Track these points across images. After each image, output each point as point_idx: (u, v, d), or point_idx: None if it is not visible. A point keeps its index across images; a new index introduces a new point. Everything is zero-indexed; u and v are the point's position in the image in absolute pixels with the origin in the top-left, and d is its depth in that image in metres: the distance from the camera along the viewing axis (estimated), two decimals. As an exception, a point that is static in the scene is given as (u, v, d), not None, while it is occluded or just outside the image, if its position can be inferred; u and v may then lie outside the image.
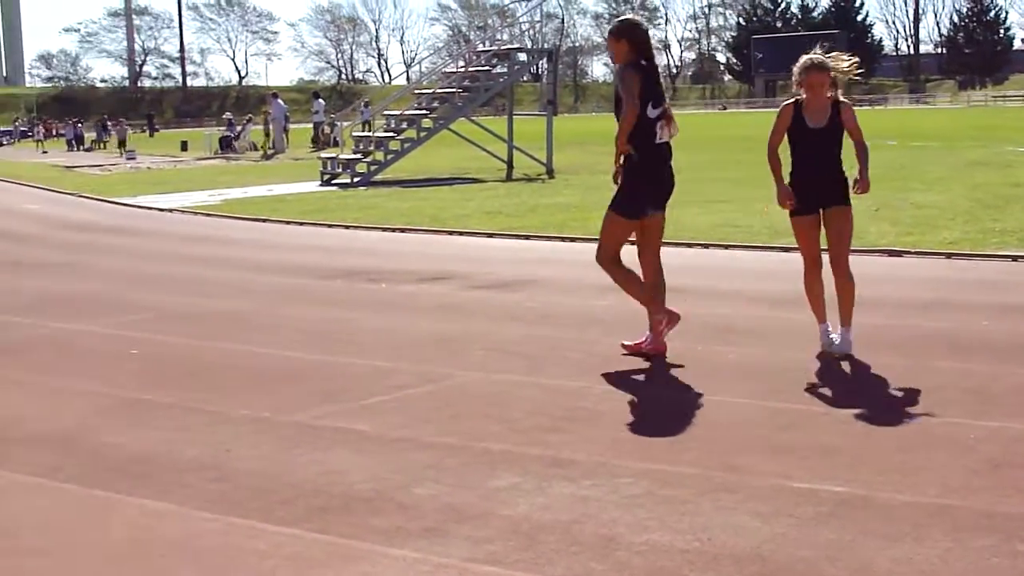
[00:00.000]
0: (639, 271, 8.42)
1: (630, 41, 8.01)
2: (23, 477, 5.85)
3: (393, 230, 16.96)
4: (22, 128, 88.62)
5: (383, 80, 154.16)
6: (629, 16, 8.62)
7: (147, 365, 8.43)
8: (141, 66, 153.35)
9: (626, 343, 8.34)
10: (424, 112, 29.30)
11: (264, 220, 19.25)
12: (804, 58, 7.92)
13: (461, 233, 16.16)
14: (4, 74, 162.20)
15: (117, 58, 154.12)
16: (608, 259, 8.26)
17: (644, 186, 8.11)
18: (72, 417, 7.00)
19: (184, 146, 53.82)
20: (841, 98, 7.90)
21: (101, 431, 6.67)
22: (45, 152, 59.30)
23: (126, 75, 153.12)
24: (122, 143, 54.93)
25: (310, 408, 7.00)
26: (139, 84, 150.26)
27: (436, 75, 34.82)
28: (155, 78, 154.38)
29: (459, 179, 27.01)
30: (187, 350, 8.95)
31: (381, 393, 7.33)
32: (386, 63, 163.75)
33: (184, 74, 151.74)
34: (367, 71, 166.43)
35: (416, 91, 32.84)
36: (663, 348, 8.19)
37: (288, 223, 18.62)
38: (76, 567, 4.69)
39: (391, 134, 29.18)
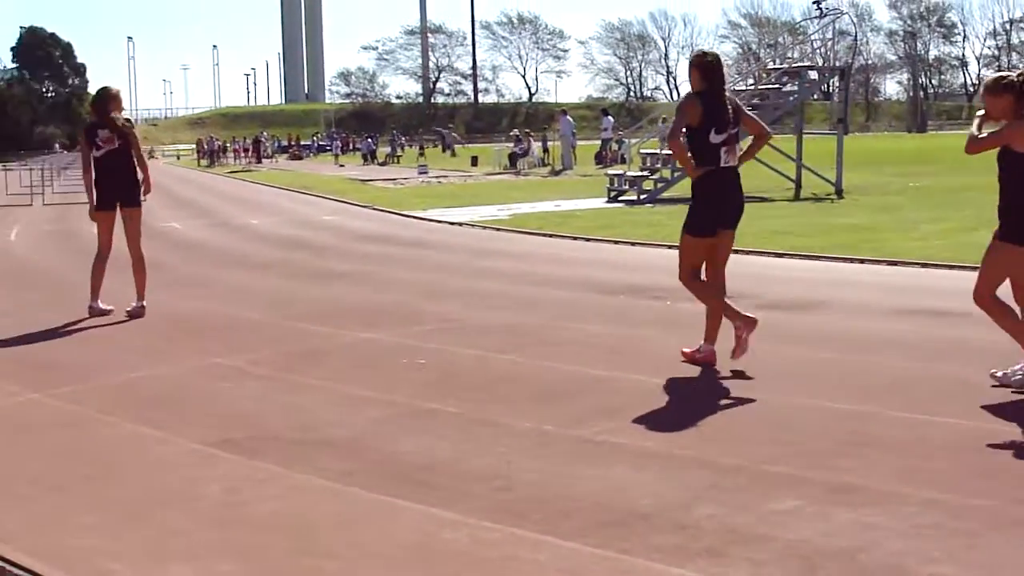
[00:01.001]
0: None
1: (698, 70, 8.58)
2: (317, 479, 6.10)
3: (678, 247, 16.88)
4: (320, 142, 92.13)
5: (671, 97, 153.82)
6: (703, 48, 9.14)
7: (435, 375, 8.66)
8: (435, 83, 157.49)
9: (685, 350, 8.97)
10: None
11: (551, 235, 19.48)
12: None
13: (747, 252, 15.97)
14: (306, 90, 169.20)
15: (412, 75, 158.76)
16: (688, 277, 9.05)
17: (709, 207, 8.82)
18: (363, 423, 7.25)
19: (474, 161, 54.90)
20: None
21: (390, 438, 6.89)
22: (341, 166, 61.47)
23: (420, 91, 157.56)
24: (449, 148, 54.52)
25: (592, 423, 7.06)
26: (432, 100, 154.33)
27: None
28: (447, 94, 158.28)
29: (746, 198, 26.68)
30: (474, 361, 9.15)
31: (666, 409, 7.34)
32: (675, 80, 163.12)
33: (476, 91, 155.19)
34: (655, 88, 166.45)
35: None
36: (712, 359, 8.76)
37: (575, 238, 18.79)
38: (364, 570, 4.86)
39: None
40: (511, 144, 55.78)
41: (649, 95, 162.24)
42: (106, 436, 7.17)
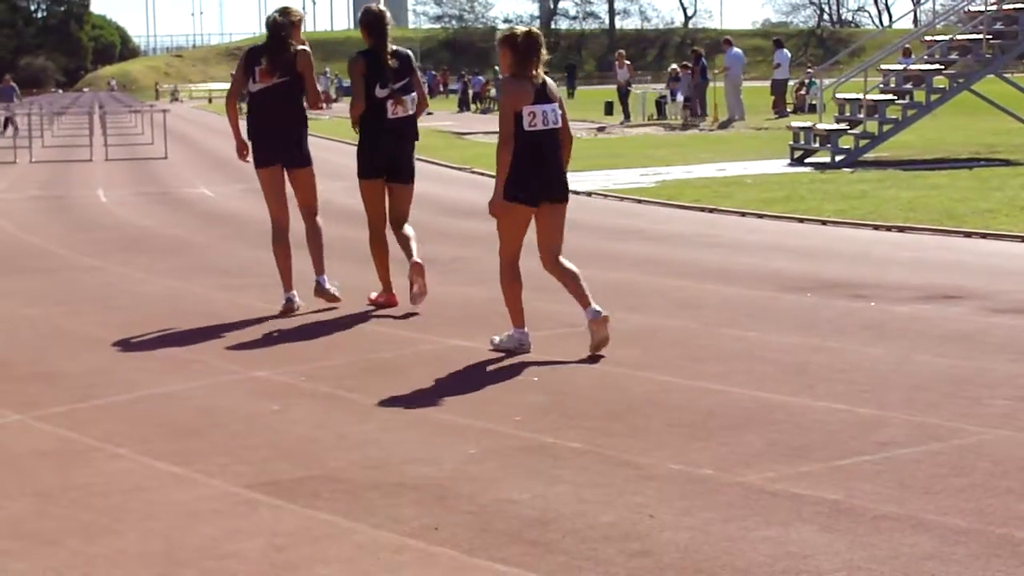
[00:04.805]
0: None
1: (363, 28, 11.95)
2: (392, 536, 6.14)
3: (888, 228, 16.76)
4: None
5: (880, 22, 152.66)
6: (369, 4, 12.44)
7: (553, 398, 8.69)
8: (556, 2, 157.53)
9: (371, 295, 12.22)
10: (937, 67, 28.76)
11: (712, 210, 19.41)
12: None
13: (983, 235, 15.82)
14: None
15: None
16: (374, 226, 12.14)
17: (370, 153, 12.00)
18: (454, 461, 7.30)
19: (609, 108, 54.71)
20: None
21: (491, 482, 6.92)
22: (430, 113, 61.67)
23: (536, 14, 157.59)
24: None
25: (767, 466, 7.04)
26: (553, 26, 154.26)
27: (956, 15, 34.19)
28: (574, 18, 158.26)
29: (983, 160, 26.39)
30: (607, 379, 9.16)
31: (864, 451, 7.29)
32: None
33: (612, 12, 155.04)
34: (859, 9, 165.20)
35: (927, 38, 32.33)
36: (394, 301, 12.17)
37: (744, 214, 18.71)
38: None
39: (890, 97, 28.79)
40: (663, 84, 55.42)
41: (850, 18, 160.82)
42: (112, 473, 7.29)
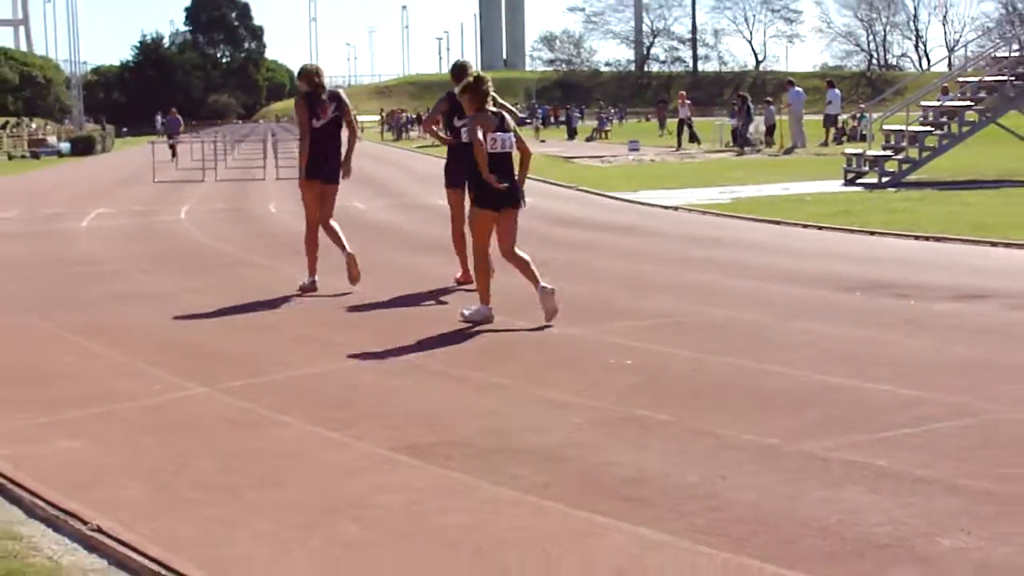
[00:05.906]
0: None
1: (452, 76, 13.26)
2: (510, 492, 6.16)
3: (926, 238, 16.57)
4: (520, 114, 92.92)
5: (920, 66, 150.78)
6: (458, 59, 14.31)
7: (644, 378, 8.66)
8: (649, 48, 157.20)
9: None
10: (968, 104, 28.44)
11: (778, 222, 19.28)
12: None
13: (1007, 245, 15.61)
14: (504, 57, 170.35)
15: (623, 40, 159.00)
16: (457, 229, 13.33)
17: (451, 166, 13.41)
18: (561, 430, 7.29)
19: (693, 137, 54.61)
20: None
21: (592, 448, 6.91)
22: (542, 141, 61.80)
23: (632, 58, 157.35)
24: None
25: (822, 437, 6.97)
26: (646, 68, 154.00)
27: (984, 60, 33.71)
28: (663, 62, 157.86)
29: (1007, 182, 26.04)
30: (689, 363, 9.12)
31: (905, 425, 7.21)
32: (925, 46, 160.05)
33: (695, 57, 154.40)
34: (902, 55, 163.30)
35: (960, 79, 31.94)
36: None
37: (806, 226, 18.57)
38: (561, 593, 4.88)
39: (928, 128, 28.52)
40: (734, 118, 55.09)
41: (895, 63, 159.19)
42: (279, 437, 7.36)
